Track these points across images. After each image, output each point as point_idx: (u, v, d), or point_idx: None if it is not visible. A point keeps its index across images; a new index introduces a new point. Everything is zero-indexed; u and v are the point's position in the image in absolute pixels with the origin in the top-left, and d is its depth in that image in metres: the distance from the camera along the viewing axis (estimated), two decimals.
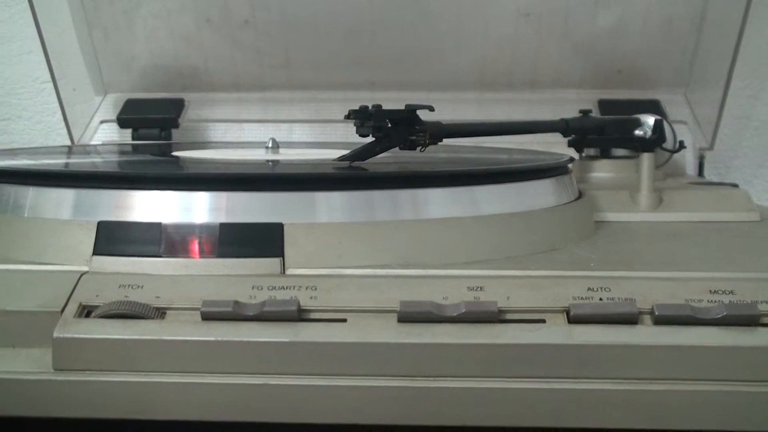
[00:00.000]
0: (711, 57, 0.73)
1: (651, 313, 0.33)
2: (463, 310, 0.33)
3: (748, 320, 0.32)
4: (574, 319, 0.33)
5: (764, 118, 0.85)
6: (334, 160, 0.46)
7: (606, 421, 0.32)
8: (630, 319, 0.33)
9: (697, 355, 0.32)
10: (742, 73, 0.80)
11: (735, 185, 0.59)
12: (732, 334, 0.32)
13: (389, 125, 0.45)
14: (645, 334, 0.32)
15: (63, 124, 0.78)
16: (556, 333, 0.32)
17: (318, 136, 0.77)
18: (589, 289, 0.34)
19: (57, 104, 0.78)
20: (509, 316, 0.33)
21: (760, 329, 0.32)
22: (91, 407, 0.33)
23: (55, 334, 0.32)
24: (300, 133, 0.78)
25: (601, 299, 0.34)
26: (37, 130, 0.91)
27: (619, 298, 0.34)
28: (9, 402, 0.32)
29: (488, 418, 0.32)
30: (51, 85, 0.78)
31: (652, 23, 0.73)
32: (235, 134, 0.78)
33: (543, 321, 0.33)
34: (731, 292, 0.34)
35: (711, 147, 0.73)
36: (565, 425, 0.32)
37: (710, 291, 0.34)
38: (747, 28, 0.69)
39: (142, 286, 0.34)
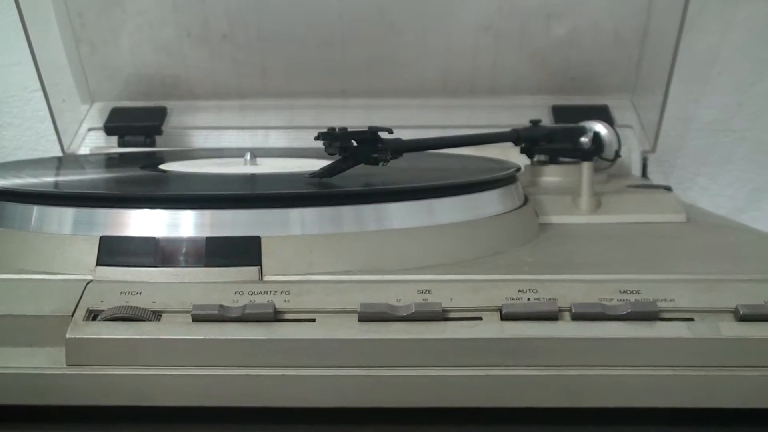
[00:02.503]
0: (654, 65, 0.78)
1: (570, 310, 0.37)
2: (413, 310, 0.37)
3: (649, 316, 0.37)
4: (506, 317, 0.37)
5: (705, 120, 0.90)
6: (307, 176, 0.50)
7: (532, 401, 0.36)
8: (552, 316, 0.37)
9: (606, 346, 0.36)
10: (685, 78, 0.86)
11: (668, 188, 0.63)
12: (635, 328, 0.36)
13: (354, 145, 0.49)
14: (564, 329, 0.37)
15: (51, 130, 0.82)
16: (491, 329, 0.37)
17: (292, 141, 0.81)
18: (519, 290, 0.38)
19: (45, 112, 0.81)
20: (452, 315, 0.37)
21: (659, 323, 0.37)
22: (99, 396, 0.36)
23: (68, 335, 0.36)
24: (275, 138, 0.82)
25: (529, 299, 0.38)
26: (27, 137, 0.94)
27: (543, 299, 0.38)
28: (29, 393, 0.36)
29: (434, 400, 0.36)
30: (39, 94, 0.81)
31: (601, 35, 0.78)
32: (215, 140, 0.82)
33: (480, 318, 0.37)
34: (637, 292, 0.38)
35: (653, 150, 0.78)
36: (498, 405, 0.36)
37: (620, 291, 0.38)
38: (689, 36, 0.75)
39: (140, 293, 0.38)
